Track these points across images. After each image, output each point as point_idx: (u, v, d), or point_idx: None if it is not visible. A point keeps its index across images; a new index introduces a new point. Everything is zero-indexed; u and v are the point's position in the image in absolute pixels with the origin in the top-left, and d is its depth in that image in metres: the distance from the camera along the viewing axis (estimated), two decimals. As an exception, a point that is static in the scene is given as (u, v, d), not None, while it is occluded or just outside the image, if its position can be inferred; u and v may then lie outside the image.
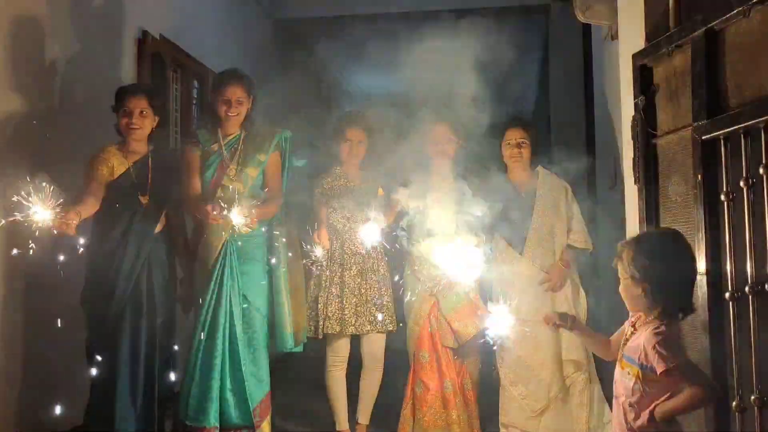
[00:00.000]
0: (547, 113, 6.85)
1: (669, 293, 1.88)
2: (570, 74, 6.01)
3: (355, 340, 3.42)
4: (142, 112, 3.01)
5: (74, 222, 2.59)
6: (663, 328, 1.85)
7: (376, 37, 7.23)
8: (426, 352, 3.26)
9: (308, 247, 3.26)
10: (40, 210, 2.45)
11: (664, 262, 1.88)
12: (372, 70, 8.51)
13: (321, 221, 3.35)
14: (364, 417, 3.44)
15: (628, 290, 1.94)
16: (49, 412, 3.01)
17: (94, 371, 2.93)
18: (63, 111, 3.32)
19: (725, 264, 2.17)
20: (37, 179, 2.50)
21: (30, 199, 2.44)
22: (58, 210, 2.50)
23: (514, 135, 3.36)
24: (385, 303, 3.36)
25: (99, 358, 2.92)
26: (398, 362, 3.50)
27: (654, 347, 1.82)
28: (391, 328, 3.36)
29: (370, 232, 3.15)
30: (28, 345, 3.10)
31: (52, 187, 2.49)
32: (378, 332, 3.36)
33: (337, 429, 3.41)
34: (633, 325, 1.99)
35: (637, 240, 1.98)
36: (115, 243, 2.94)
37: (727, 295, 2.15)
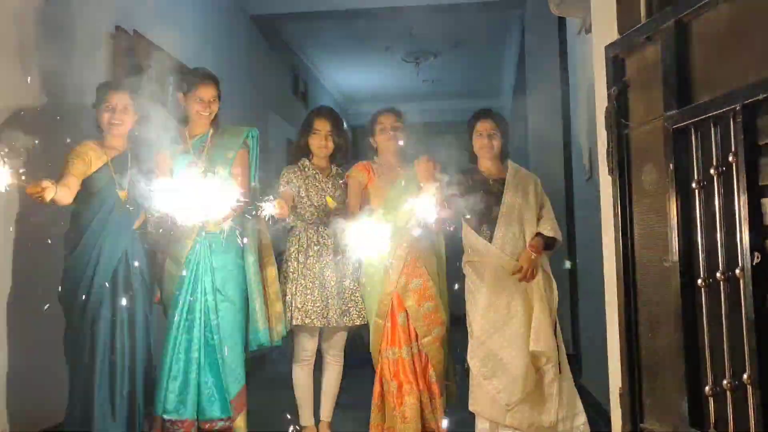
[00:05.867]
0: (525, 105, 6.90)
1: None
2: (547, 66, 6.06)
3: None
4: (124, 108, 3.02)
5: (48, 189, 2.55)
6: None
7: (352, 32, 7.27)
8: (391, 348, 3.27)
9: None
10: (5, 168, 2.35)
11: None
12: (348, 66, 8.54)
13: (281, 195, 3.30)
14: (326, 414, 3.46)
15: None
16: (33, 410, 3.01)
17: (72, 368, 2.96)
18: (37, 108, 3.28)
19: (697, 251, 2.20)
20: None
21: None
22: (22, 170, 2.42)
23: (484, 126, 3.41)
24: (353, 296, 3.36)
25: (76, 354, 2.95)
26: (363, 358, 3.53)
27: None
28: (359, 323, 3.38)
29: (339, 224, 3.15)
30: (11, 342, 3.08)
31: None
32: (342, 327, 3.38)
33: (302, 424, 3.41)
34: None
35: None
36: (93, 238, 2.94)
37: (699, 281, 2.18)
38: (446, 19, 6.94)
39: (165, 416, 3.01)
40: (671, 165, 2.28)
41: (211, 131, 3.26)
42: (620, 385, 2.65)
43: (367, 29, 7.22)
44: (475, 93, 9.26)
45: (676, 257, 2.26)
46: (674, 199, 2.27)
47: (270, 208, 2.96)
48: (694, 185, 2.20)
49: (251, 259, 3.20)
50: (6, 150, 2.44)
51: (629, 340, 2.54)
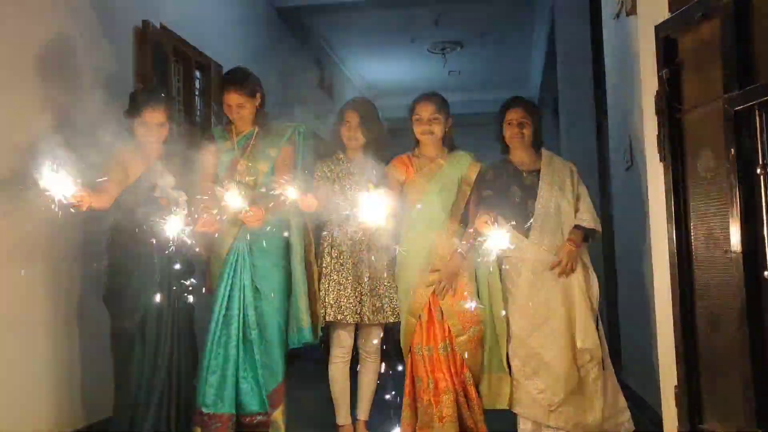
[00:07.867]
0: (555, 95, 6.75)
1: None
2: (578, 53, 5.90)
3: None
4: (160, 125, 2.98)
5: (84, 201, 2.59)
6: None
7: (378, 24, 7.17)
8: (424, 346, 3.15)
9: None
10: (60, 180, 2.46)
11: None
12: (373, 58, 8.45)
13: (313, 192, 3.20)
14: (363, 413, 3.34)
15: None
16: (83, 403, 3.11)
17: (117, 364, 2.98)
18: (66, 103, 3.23)
19: (762, 242, 2.06)
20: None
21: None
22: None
23: (515, 115, 3.23)
24: (387, 293, 3.26)
25: (120, 352, 2.97)
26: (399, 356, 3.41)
27: None
28: (392, 320, 3.27)
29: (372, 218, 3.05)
30: (57, 340, 3.11)
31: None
32: (378, 323, 3.28)
33: (338, 423, 3.33)
34: None
35: None
36: (133, 243, 2.91)
37: (765, 273, 2.05)
38: (472, 8, 6.80)
39: (203, 410, 3.03)
40: (732, 150, 2.14)
41: (257, 129, 3.22)
42: (675, 384, 2.52)
43: (392, 20, 7.10)
44: (503, 84, 9.09)
45: (739, 248, 2.12)
46: (736, 186, 2.13)
47: (293, 193, 2.91)
48: (759, 170, 2.06)
49: (297, 257, 3.16)
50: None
51: (686, 337, 2.41)
